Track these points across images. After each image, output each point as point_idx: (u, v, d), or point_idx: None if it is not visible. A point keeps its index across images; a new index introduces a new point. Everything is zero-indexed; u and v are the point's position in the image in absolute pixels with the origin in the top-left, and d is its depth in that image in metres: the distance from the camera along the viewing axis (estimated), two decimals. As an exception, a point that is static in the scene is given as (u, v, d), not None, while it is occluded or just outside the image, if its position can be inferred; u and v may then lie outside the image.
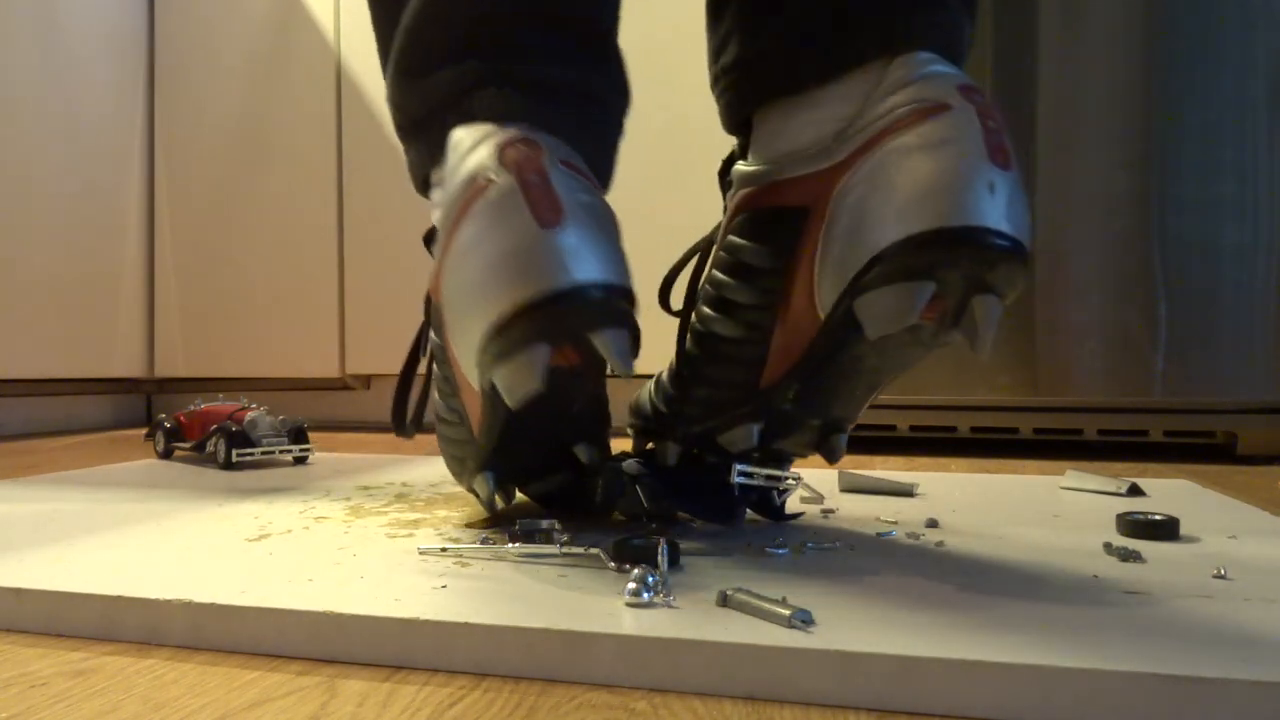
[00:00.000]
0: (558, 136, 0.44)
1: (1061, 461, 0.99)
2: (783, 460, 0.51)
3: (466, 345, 0.42)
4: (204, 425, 0.84)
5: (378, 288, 1.50)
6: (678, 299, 0.55)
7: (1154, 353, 1.04)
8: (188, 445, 0.85)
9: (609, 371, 0.51)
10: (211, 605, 0.35)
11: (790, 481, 0.50)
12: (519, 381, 0.40)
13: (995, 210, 0.37)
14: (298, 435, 0.83)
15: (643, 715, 0.28)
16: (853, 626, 0.32)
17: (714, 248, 0.50)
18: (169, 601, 0.35)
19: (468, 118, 0.44)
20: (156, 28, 1.62)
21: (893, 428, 1.13)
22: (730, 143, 0.51)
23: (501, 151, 0.41)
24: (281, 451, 0.82)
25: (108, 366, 1.52)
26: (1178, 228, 1.04)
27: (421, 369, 0.54)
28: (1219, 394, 1.03)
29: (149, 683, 0.31)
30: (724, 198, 0.51)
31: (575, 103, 0.46)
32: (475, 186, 0.41)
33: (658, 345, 1.32)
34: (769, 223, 0.45)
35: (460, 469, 0.52)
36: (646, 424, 0.53)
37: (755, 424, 0.46)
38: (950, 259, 0.38)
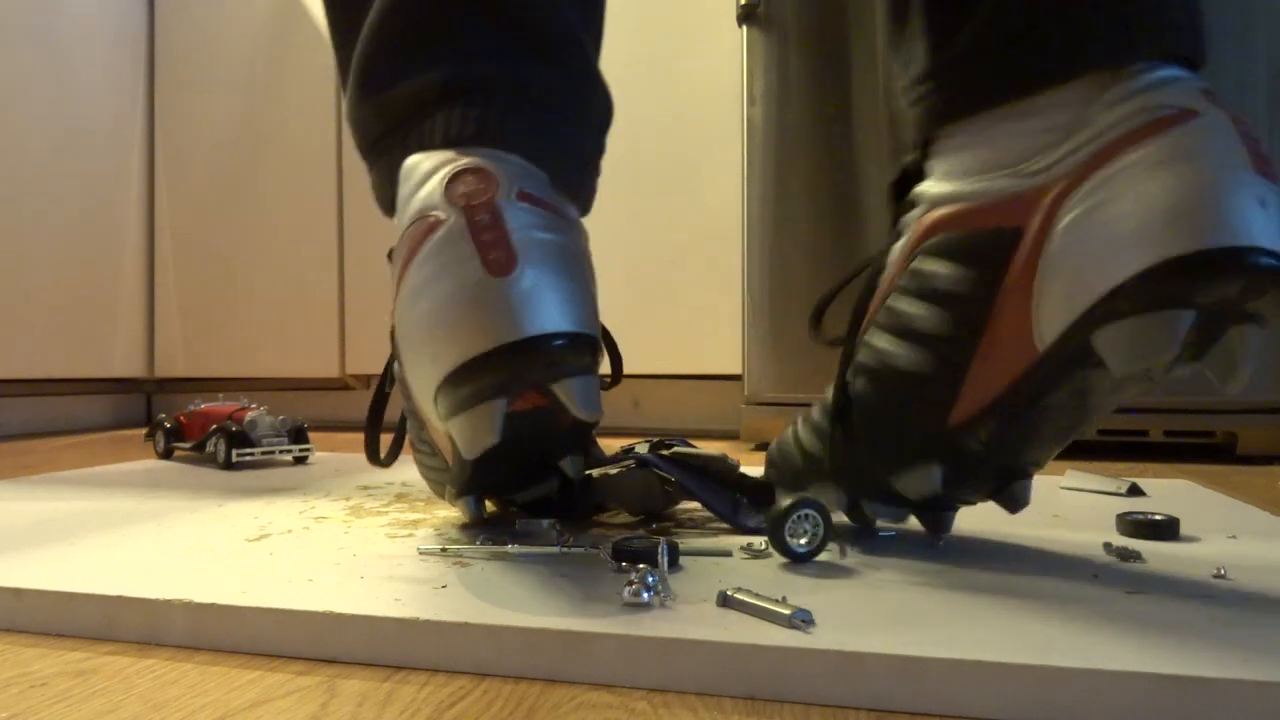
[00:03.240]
0: (520, 153, 0.41)
1: (1061, 461, 0.99)
2: (948, 507, 0.45)
3: (424, 392, 0.40)
4: (204, 425, 0.84)
5: (378, 288, 1.50)
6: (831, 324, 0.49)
7: (1154, 353, 1.04)
8: (188, 445, 0.85)
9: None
10: (211, 605, 0.35)
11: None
12: (475, 435, 0.38)
13: (1268, 227, 0.33)
14: (298, 435, 0.83)
15: (643, 715, 0.28)
16: (853, 626, 0.32)
17: (887, 273, 0.44)
18: (169, 601, 0.35)
19: (424, 141, 0.42)
20: (156, 28, 1.62)
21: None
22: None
23: (450, 185, 0.38)
24: (281, 451, 0.82)
25: (108, 366, 1.52)
26: (1178, 228, 1.04)
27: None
28: (1219, 394, 1.03)
29: (149, 683, 0.31)
30: (893, 218, 0.45)
31: (542, 115, 0.43)
32: (425, 224, 0.38)
33: (642, 352, 1.33)
34: (973, 246, 0.39)
35: (440, 491, 0.51)
36: (798, 476, 0.48)
37: (938, 467, 0.41)
38: (1213, 285, 0.33)
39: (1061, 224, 0.36)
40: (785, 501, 0.41)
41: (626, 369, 1.14)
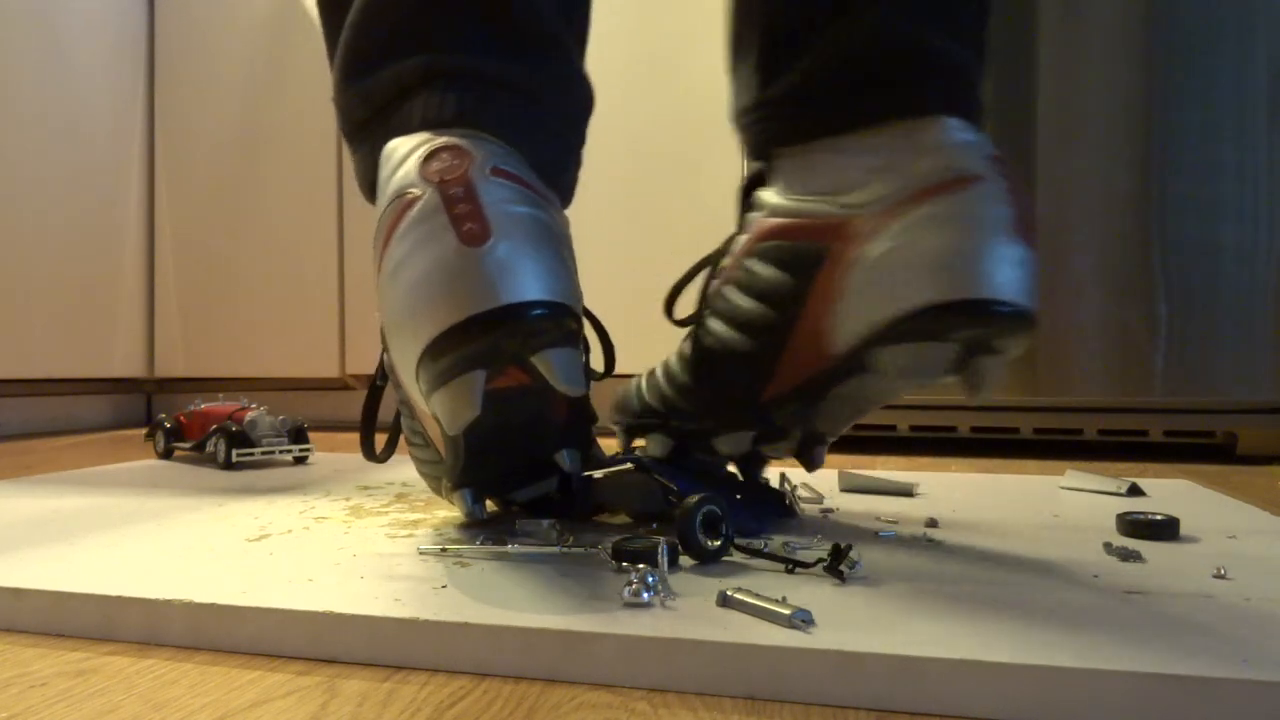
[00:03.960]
0: (499, 138, 0.42)
1: (1061, 461, 0.99)
2: (761, 462, 0.54)
3: (406, 371, 0.40)
4: (204, 425, 0.84)
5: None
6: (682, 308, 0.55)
7: (1154, 353, 1.04)
8: (188, 445, 0.85)
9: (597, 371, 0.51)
10: (211, 605, 0.35)
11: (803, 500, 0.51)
12: (455, 409, 0.38)
13: (1013, 284, 0.40)
14: (298, 435, 0.83)
15: (643, 715, 0.28)
16: (853, 626, 0.32)
17: (725, 262, 0.50)
18: (169, 601, 0.35)
19: (403, 125, 0.43)
20: (156, 28, 1.62)
21: (893, 428, 1.13)
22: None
23: (425, 163, 0.39)
24: (281, 451, 0.82)
25: (108, 366, 1.52)
26: (1178, 228, 1.04)
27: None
28: (1219, 394, 1.03)
29: (149, 683, 0.31)
30: (740, 214, 0.51)
31: (519, 102, 0.44)
32: (401, 202, 0.39)
33: (641, 349, 1.33)
34: (792, 256, 0.46)
35: (437, 487, 0.51)
36: (634, 420, 0.53)
37: (749, 432, 0.49)
38: (968, 326, 0.40)
39: (864, 254, 0.42)
40: (691, 500, 0.42)
41: (626, 369, 1.14)
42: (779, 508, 0.53)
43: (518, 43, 0.45)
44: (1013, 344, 0.41)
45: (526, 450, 0.49)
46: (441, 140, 0.40)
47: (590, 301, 1.36)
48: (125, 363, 1.56)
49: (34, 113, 1.37)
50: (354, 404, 1.66)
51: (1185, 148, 1.04)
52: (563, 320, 0.38)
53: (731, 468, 0.55)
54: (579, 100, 0.49)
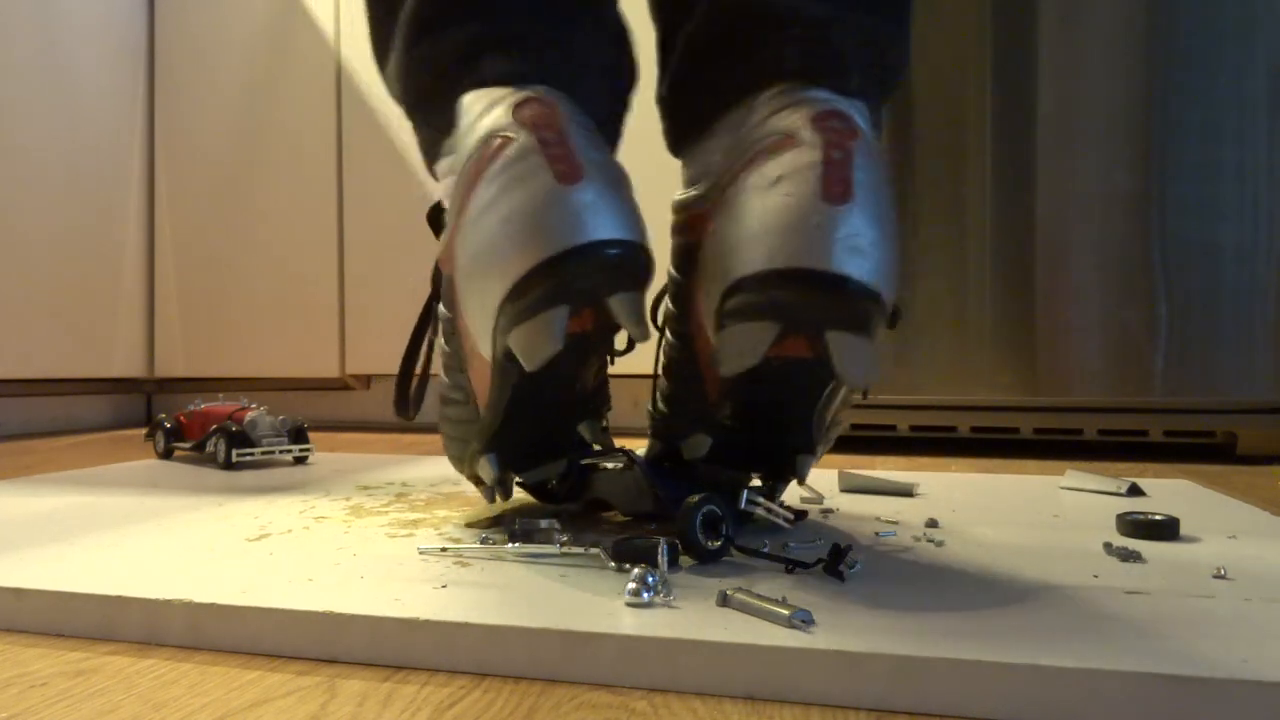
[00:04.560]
0: (578, 98, 0.43)
1: (1061, 461, 0.99)
2: (744, 482, 0.51)
3: (483, 310, 0.41)
4: (204, 425, 0.84)
5: (378, 288, 1.50)
6: None
7: (1154, 353, 1.04)
8: (188, 445, 0.85)
9: (617, 348, 0.52)
10: (211, 605, 0.35)
11: (784, 523, 0.49)
12: (538, 343, 0.39)
13: (820, 249, 0.37)
14: (298, 435, 0.83)
15: (643, 715, 0.28)
16: (853, 626, 0.32)
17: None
18: (169, 601, 0.35)
19: (478, 82, 0.44)
20: (156, 28, 1.62)
21: (893, 428, 1.13)
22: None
23: (517, 110, 0.41)
24: (281, 451, 0.82)
25: (108, 366, 1.52)
26: (1178, 228, 1.04)
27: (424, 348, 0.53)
28: (1219, 394, 1.03)
29: (149, 683, 0.31)
30: None
31: (574, 69, 0.46)
32: (491, 146, 0.40)
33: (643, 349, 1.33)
34: (681, 252, 0.47)
35: (462, 452, 0.51)
36: (651, 423, 0.54)
37: (707, 437, 0.47)
38: (782, 299, 0.38)
39: (708, 238, 0.42)
40: (692, 500, 0.42)
41: (628, 370, 1.14)
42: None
43: (569, 12, 0.47)
44: (847, 314, 0.38)
45: (553, 420, 0.49)
46: (528, 91, 0.42)
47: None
48: (125, 363, 1.56)
49: (34, 114, 1.37)
50: (354, 404, 1.66)
51: (1185, 148, 1.04)
52: (640, 261, 0.40)
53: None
54: (626, 69, 0.51)
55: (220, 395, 1.11)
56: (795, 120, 0.39)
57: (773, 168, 0.39)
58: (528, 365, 0.40)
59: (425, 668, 0.32)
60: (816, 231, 0.37)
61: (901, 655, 0.29)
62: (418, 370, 0.53)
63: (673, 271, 0.49)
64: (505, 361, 0.42)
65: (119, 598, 0.36)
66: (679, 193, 0.48)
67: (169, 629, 0.35)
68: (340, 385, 1.57)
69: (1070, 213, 1.06)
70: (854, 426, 1.14)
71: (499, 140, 0.40)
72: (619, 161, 0.43)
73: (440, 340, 0.50)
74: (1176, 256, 1.04)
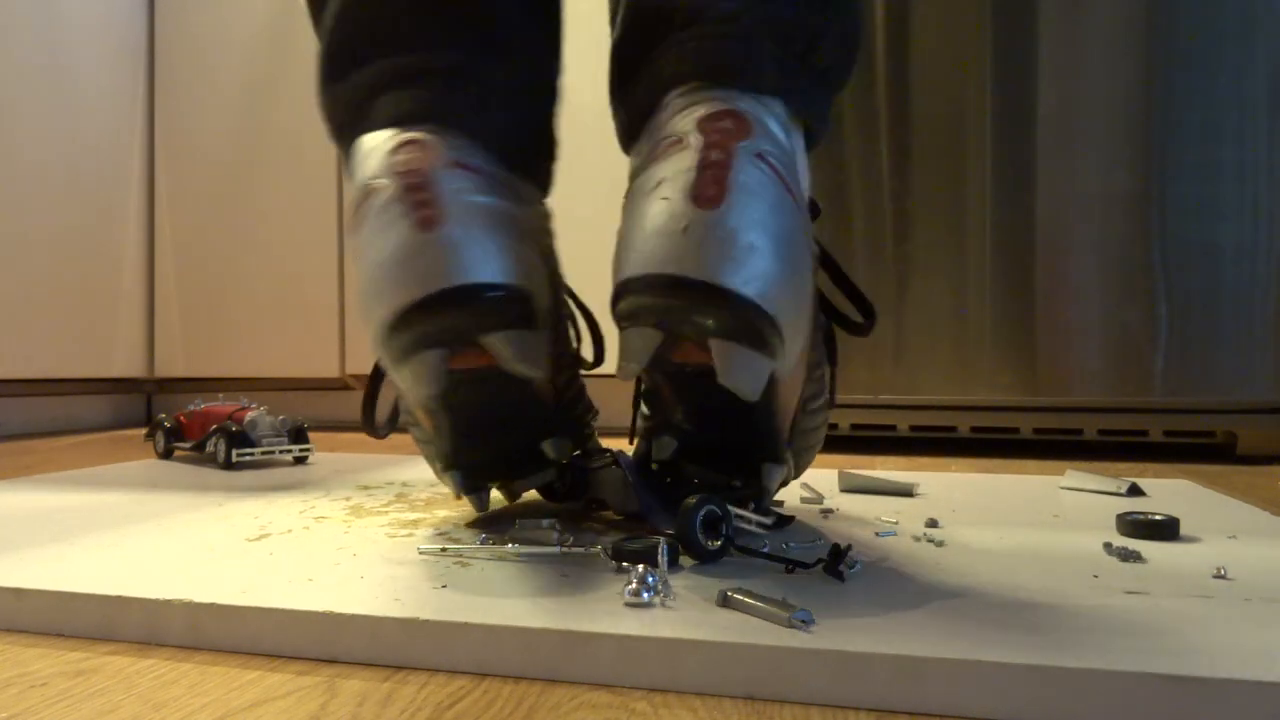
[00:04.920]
0: (462, 132, 0.43)
1: (1061, 461, 0.99)
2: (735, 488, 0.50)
3: (375, 350, 0.42)
4: (204, 425, 0.84)
5: (378, 288, 1.50)
6: None
7: (1154, 353, 1.04)
8: (188, 445, 0.85)
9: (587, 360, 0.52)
10: (211, 605, 0.35)
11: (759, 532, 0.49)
12: (417, 384, 0.40)
13: (687, 254, 0.36)
14: (298, 435, 0.83)
15: (643, 715, 0.28)
16: (853, 626, 0.32)
17: None
18: (169, 601, 0.35)
19: (372, 123, 0.44)
20: (156, 28, 1.62)
21: (893, 428, 1.13)
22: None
23: (391, 155, 0.41)
24: (281, 451, 0.82)
25: (108, 366, 1.52)
26: (1178, 228, 1.04)
27: None
28: (1219, 394, 1.03)
29: (149, 683, 0.31)
30: None
31: (481, 97, 0.45)
32: (365, 192, 0.41)
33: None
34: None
35: (433, 466, 0.52)
36: (641, 420, 0.54)
37: (671, 439, 0.47)
38: (654, 305, 0.37)
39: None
40: (690, 500, 0.41)
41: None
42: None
43: (478, 40, 0.46)
44: (718, 322, 0.36)
45: (515, 436, 0.49)
46: (406, 135, 0.42)
47: (589, 297, 1.36)
48: (125, 363, 1.56)
49: (34, 114, 1.37)
50: (354, 404, 1.66)
51: (1185, 148, 1.04)
52: (514, 302, 0.40)
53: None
54: (544, 92, 0.50)
55: (220, 395, 1.11)
56: (686, 122, 0.39)
57: (657, 170, 0.38)
58: (410, 405, 0.41)
59: (425, 668, 0.32)
60: (683, 236, 0.36)
61: (901, 655, 0.29)
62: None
63: None
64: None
65: (119, 598, 0.36)
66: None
67: (169, 629, 0.35)
68: (340, 385, 1.57)
69: (1070, 213, 1.06)
70: (854, 426, 1.14)
71: (372, 188, 0.41)
72: (508, 202, 0.42)
73: None
74: (1176, 256, 1.04)
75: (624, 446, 0.57)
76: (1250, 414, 1.03)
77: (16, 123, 1.34)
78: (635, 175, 0.42)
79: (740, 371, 0.37)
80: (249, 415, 0.82)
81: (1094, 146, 1.06)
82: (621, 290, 0.38)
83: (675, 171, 0.37)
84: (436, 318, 0.38)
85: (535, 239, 0.45)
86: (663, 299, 0.36)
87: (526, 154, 0.48)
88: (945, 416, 1.11)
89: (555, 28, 0.52)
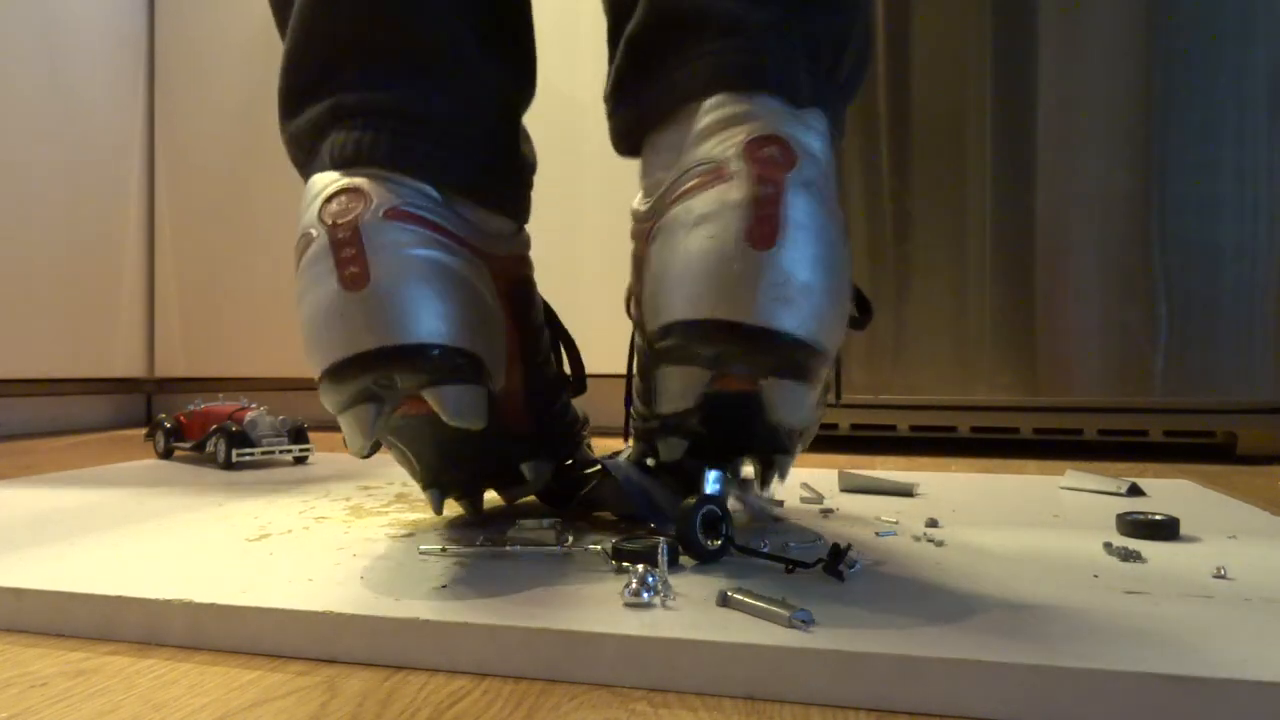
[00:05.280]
0: (408, 173, 0.41)
1: (1061, 461, 0.99)
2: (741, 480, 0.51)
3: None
4: (204, 425, 0.84)
5: (378, 288, 1.50)
6: None
7: (1154, 353, 1.04)
8: (188, 445, 0.85)
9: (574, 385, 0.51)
10: (211, 605, 0.35)
11: (768, 504, 0.49)
12: (352, 435, 0.41)
13: (742, 299, 0.35)
14: (298, 435, 0.83)
15: (643, 715, 0.28)
16: (853, 626, 0.32)
17: None
18: (169, 601, 0.35)
19: (320, 164, 0.43)
20: (156, 28, 1.62)
21: (893, 428, 1.13)
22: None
23: (325, 205, 0.40)
24: (281, 451, 0.82)
25: (108, 366, 1.52)
26: (1178, 228, 1.04)
27: None
28: (1219, 394, 1.03)
29: (149, 683, 0.31)
30: None
31: (434, 136, 0.43)
32: (303, 241, 0.41)
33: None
34: (634, 259, 0.45)
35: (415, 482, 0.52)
36: (637, 422, 0.54)
37: (680, 440, 0.46)
38: (708, 351, 0.36)
39: (647, 260, 0.40)
40: (690, 500, 0.41)
41: (620, 371, 1.14)
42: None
43: (426, 73, 0.44)
44: (766, 362, 0.36)
45: (490, 459, 0.48)
46: (343, 182, 0.41)
47: (585, 302, 1.36)
48: (125, 363, 1.56)
49: (34, 114, 1.37)
50: (354, 404, 1.66)
51: (1185, 148, 1.04)
52: (445, 359, 0.39)
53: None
54: (506, 120, 0.48)
55: (220, 395, 1.11)
56: (728, 147, 0.37)
57: (699, 203, 0.36)
58: (354, 453, 0.41)
59: (425, 668, 0.32)
60: (738, 280, 0.34)
61: (901, 655, 0.29)
62: None
63: (632, 280, 0.46)
64: None
65: (119, 598, 0.36)
66: (636, 198, 0.45)
67: (169, 629, 0.35)
68: (340, 385, 1.57)
69: (1070, 213, 1.06)
70: (854, 426, 1.15)
71: (307, 237, 0.40)
72: (446, 254, 0.41)
73: None
74: (1176, 256, 1.04)
75: (619, 445, 0.57)
76: (1250, 414, 1.03)
77: (17, 124, 1.34)
78: (665, 204, 0.39)
79: (789, 405, 0.37)
80: (249, 415, 0.82)
81: (1094, 146, 1.06)
82: (668, 331, 0.37)
83: (720, 206, 0.35)
84: (365, 375, 0.38)
85: (487, 284, 0.44)
86: (715, 344, 0.36)
87: (488, 187, 0.46)
88: (945, 416, 1.11)
89: (521, 50, 0.50)
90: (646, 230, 0.41)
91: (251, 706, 0.29)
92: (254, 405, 0.84)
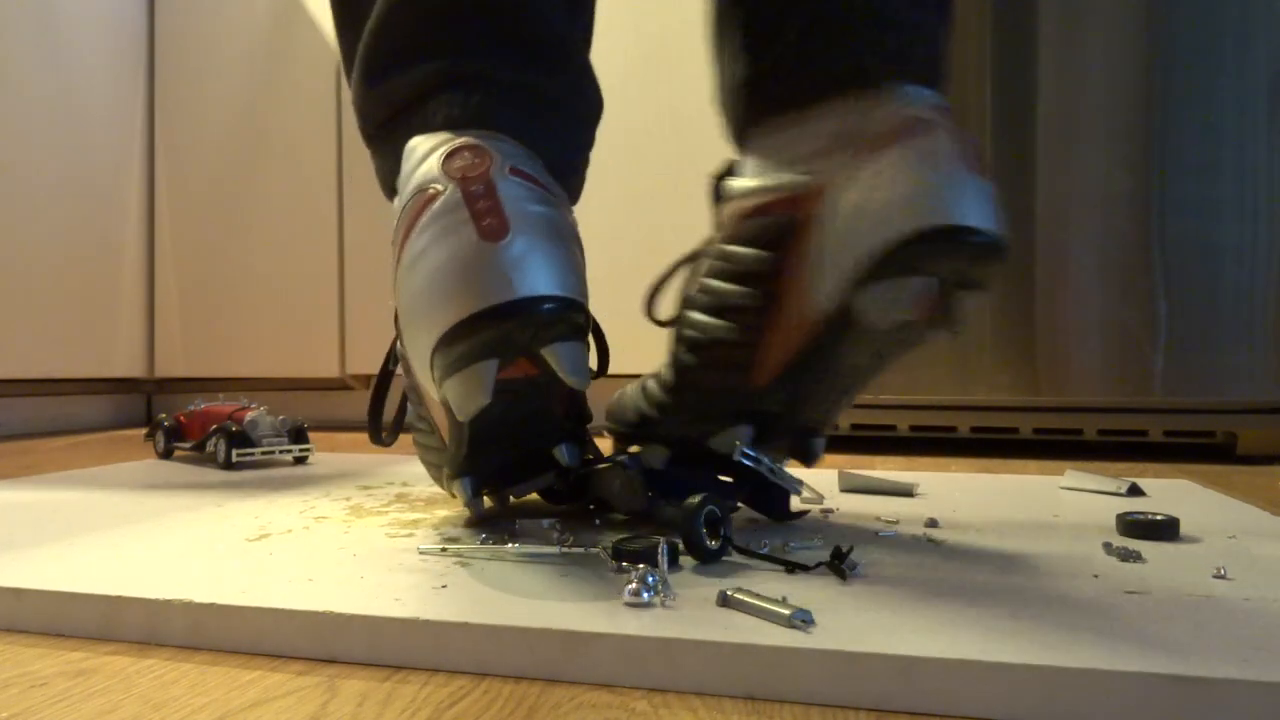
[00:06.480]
0: (516, 140, 0.43)
1: (1061, 461, 0.99)
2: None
3: (419, 357, 0.42)
4: (204, 425, 0.84)
5: (378, 288, 1.50)
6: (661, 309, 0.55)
7: (1154, 353, 1.04)
8: (188, 445, 0.85)
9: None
10: (211, 605, 0.35)
11: (790, 477, 0.50)
12: (467, 396, 0.40)
13: (983, 213, 0.40)
14: (298, 435, 0.83)
15: (643, 715, 0.28)
16: (853, 626, 0.32)
17: (702, 258, 0.50)
18: (169, 601, 0.35)
19: (424, 125, 0.44)
20: (156, 28, 1.62)
21: (893, 428, 1.13)
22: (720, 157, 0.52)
23: (448, 160, 0.41)
24: (281, 451, 0.82)
25: (108, 366, 1.52)
26: (1178, 228, 1.04)
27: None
28: (1219, 394, 1.03)
29: (149, 683, 0.31)
30: (715, 212, 0.51)
31: (533, 106, 0.46)
32: (423, 197, 0.41)
33: (643, 350, 1.33)
34: (767, 230, 0.46)
35: (437, 475, 0.52)
36: (630, 429, 0.53)
37: (746, 426, 0.47)
38: (946, 254, 0.40)
39: (835, 207, 0.42)
40: (693, 500, 0.42)
41: (626, 369, 1.14)
42: (781, 506, 0.52)
43: (531, 48, 0.47)
44: (985, 271, 0.42)
45: (527, 443, 0.49)
46: (462, 140, 0.42)
47: (590, 301, 1.36)
48: (125, 363, 1.56)
49: (34, 111, 1.37)
50: (354, 404, 1.66)
51: (1185, 148, 1.04)
52: (572, 315, 0.40)
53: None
54: (589, 103, 0.51)
55: (220, 395, 1.11)
56: (923, 110, 0.42)
57: (924, 142, 0.41)
58: (459, 416, 0.41)
59: (425, 668, 0.32)
60: (982, 199, 0.40)
61: (901, 655, 0.29)
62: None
63: (737, 250, 0.47)
64: (445, 406, 0.42)
65: (119, 598, 0.36)
66: (758, 179, 0.47)
67: (169, 629, 0.35)
68: (340, 385, 1.57)
69: (1070, 213, 1.06)
70: (854, 426, 1.14)
71: (431, 191, 0.40)
72: (562, 212, 0.43)
73: (401, 372, 0.50)
74: (1176, 256, 1.04)
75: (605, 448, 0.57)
76: (1250, 414, 1.03)
77: (17, 124, 1.34)
78: (844, 148, 0.43)
79: (967, 319, 0.44)
80: (249, 415, 0.82)
81: (1094, 146, 1.06)
82: (909, 241, 0.40)
83: (946, 146, 0.41)
84: (498, 328, 0.38)
85: (578, 247, 0.46)
86: (975, 253, 0.40)
87: (568, 165, 0.48)
88: (945, 416, 1.11)
89: (589, 30, 0.52)
90: (808, 192, 0.44)
91: (251, 706, 0.29)
92: (254, 405, 0.84)
